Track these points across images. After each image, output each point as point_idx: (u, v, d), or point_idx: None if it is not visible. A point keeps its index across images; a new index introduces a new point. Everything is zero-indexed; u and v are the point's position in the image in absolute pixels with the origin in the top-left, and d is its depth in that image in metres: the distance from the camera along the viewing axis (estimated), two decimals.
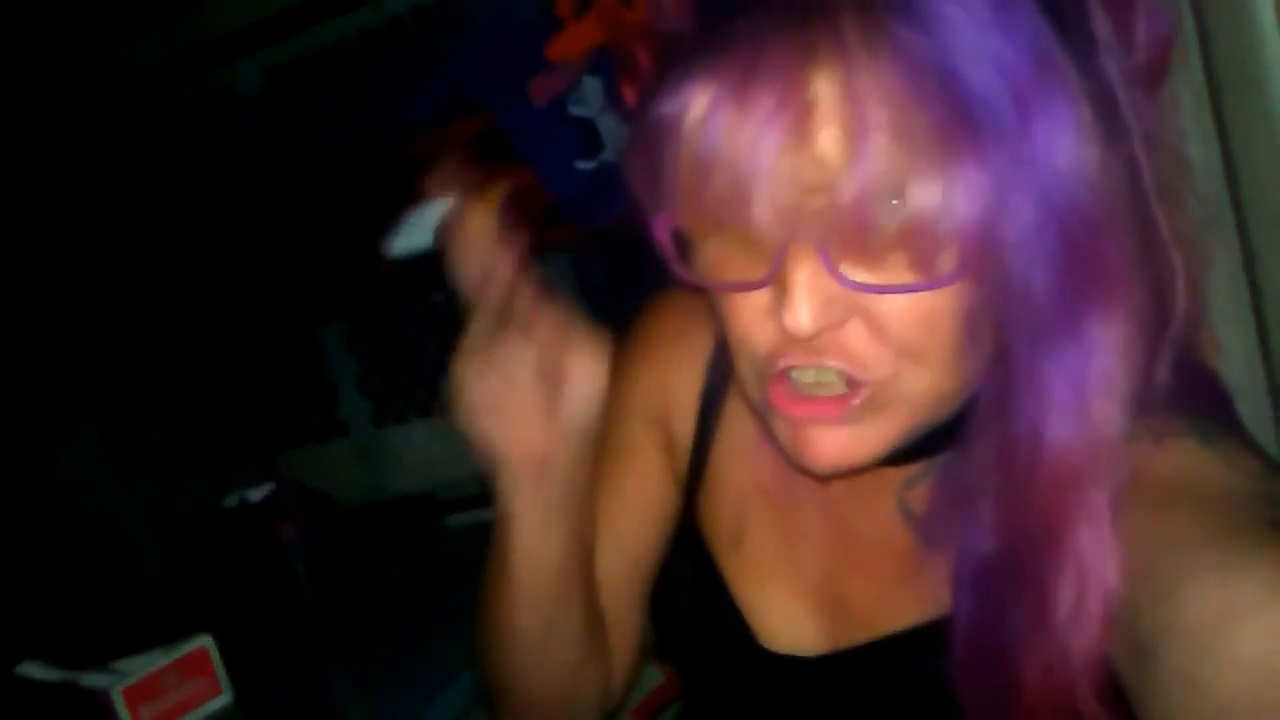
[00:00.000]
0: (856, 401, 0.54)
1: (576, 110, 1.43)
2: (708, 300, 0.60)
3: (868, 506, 0.68)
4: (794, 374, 0.55)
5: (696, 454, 0.76)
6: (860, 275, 0.51)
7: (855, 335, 0.53)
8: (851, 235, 0.49)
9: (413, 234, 0.62)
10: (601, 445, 0.64)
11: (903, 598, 0.65)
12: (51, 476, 2.05)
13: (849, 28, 0.46)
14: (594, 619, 0.74)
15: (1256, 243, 0.95)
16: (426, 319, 1.89)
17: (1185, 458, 0.54)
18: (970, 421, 0.57)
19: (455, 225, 0.61)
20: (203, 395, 2.09)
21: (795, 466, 0.59)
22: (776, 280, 0.51)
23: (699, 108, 0.50)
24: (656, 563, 0.78)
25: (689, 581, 0.75)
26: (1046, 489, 0.52)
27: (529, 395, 0.64)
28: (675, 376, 0.77)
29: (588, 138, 1.44)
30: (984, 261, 0.49)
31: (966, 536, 0.58)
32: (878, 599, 0.67)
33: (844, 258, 0.50)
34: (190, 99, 1.89)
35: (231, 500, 1.39)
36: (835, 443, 0.56)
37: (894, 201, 0.48)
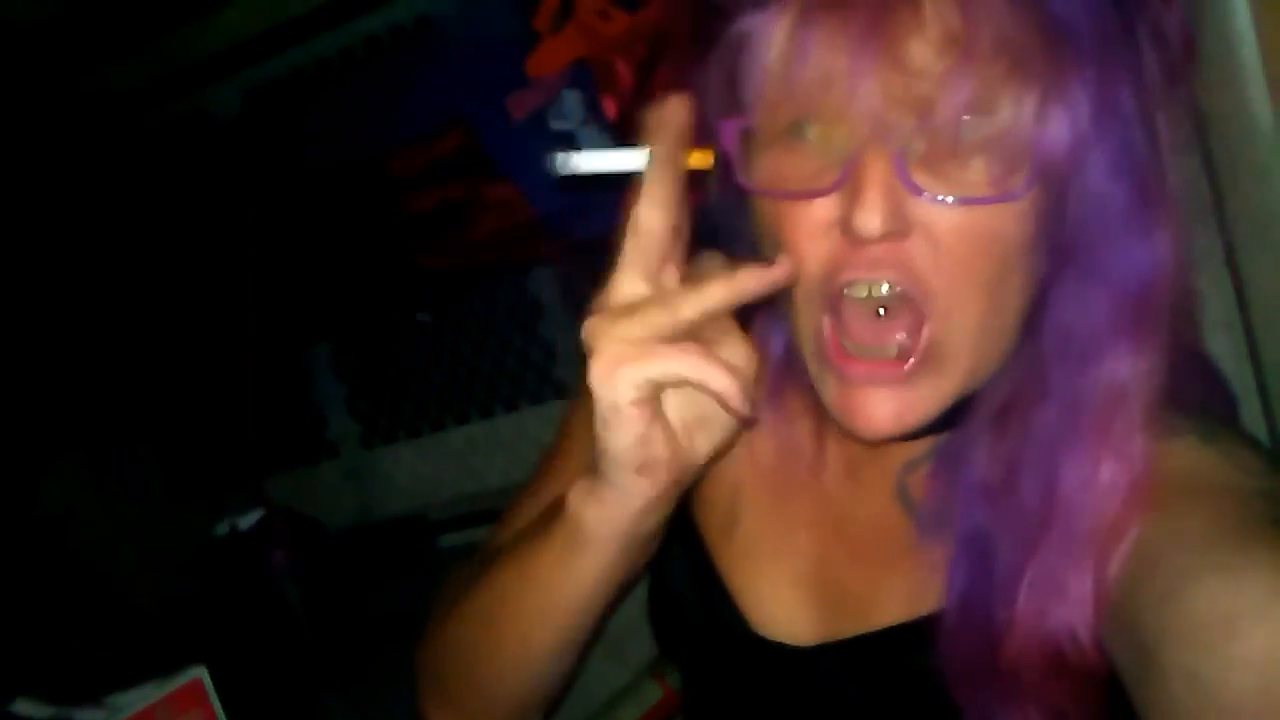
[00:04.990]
0: (912, 363, 0.55)
1: (557, 124, 1.43)
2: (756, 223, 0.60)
3: (864, 492, 0.68)
4: (847, 291, 0.55)
5: None
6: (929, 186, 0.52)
7: (917, 251, 0.53)
8: (938, 142, 0.50)
9: (596, 161, 0.57)
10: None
11: (895, 588, 0.65)
12: (39, 507, 2.03)
13: None
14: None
15: (1239, 246, 0.96)
16: (413, 338, 1.88)
17: (1186, 455, 0.54)
18: (994, 386, 0.59)
19: (648, 175, 0.54)
20: (189, 420, 2.07)
21: (844, 431, 0.58)
22: (846, 185, 0.52)
23: (795, 6, 0.51)
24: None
25: (684, 571, 0.75)
26: (1098, 403, 0.54)
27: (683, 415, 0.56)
28: None
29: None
30: (1063, 178, 0.51)
31: (967, 504, 0.59)
32: (871, 587, 0.67)
33: (916, 168, 0.51)
34: (168, 122, 1.87)
35: (222, 529, 1.37)
36: (888, 406, 0.56)
37: (984, 114, 0.49)
